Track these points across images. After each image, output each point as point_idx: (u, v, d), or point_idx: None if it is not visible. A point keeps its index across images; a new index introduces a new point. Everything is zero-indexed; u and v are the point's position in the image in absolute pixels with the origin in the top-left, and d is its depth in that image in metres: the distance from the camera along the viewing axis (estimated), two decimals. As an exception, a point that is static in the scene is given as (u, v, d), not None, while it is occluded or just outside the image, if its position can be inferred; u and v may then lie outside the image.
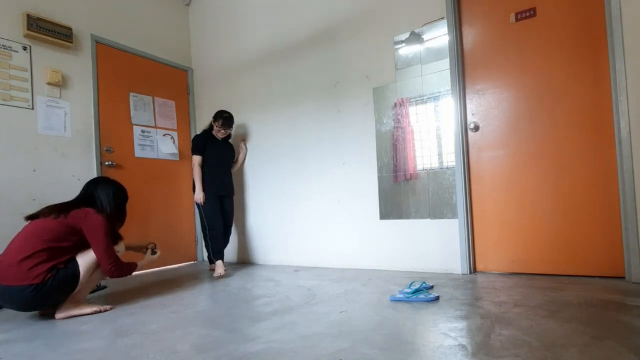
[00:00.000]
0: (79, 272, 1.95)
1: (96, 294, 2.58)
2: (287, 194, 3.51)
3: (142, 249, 2.48)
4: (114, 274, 2.08)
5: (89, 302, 2.14)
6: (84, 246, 2.03)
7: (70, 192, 3.00)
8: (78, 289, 1.98)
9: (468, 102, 2.71)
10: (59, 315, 1.99)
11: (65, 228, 1.96)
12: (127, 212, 2.31)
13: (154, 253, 2.44)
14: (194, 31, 4.27)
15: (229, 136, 3.46)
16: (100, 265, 2.04)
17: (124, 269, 2.14)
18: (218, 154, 3.33)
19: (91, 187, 2.20)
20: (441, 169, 2.72)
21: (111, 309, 2.14)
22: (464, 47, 2.73)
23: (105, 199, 2.15)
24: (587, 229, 2.32)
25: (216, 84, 4.06)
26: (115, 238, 2.22)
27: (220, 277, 2.96)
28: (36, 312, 2.15)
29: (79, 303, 2.06)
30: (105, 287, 2.74)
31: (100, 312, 2.08)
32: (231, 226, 3.50)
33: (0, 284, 1.85)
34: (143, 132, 3.67)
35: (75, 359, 1.45)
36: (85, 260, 1.99)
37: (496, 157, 2.61)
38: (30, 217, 2.03)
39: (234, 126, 3.47)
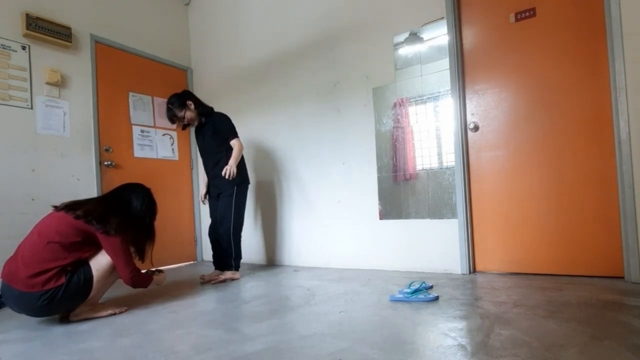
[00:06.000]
0: (91, 277, 1.89)
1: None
2: (286, 193, 3.51)
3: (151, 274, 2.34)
4: (134, 281, 2.01)
5: (103, 305, 2.09)
6: (96, 245, 1.94)
7: (69, 192, 3.01)
8: (92, 293, 1.92)
9: (467, 101, 2.71)
10: (73, 318, 1.95)
11: (78, 231, 1.87)
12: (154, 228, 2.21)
13: (159, 272, 2.32)
14: (193, 30, 4.27)
15: (205, 116, 2.91)
16: (120, 276, 1.99)
17: (143, 277, 2.09)
18: (201, 145, 2.99)
19: (126, 194, 2.12)
20: (440, 168, 2.72)
21: (126, 310, 2.10)
22: (464, 47, 2.73)
23: (138, 208, 2.08)
24: (586, 229, 2.33)
25: (215, 84, 4.05)
26: (142, 254, 2.12)
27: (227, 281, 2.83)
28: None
29: (94, 306, 2.01)
30: None
31: (116, 314, 2.03)
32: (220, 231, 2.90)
33: (14, 288, 1.77)
34: (142, 131, 3.66)
35: (75, 359, 1.45)
36: (99, 263, 1.92)
37: (495, 157, 2.61)
38: (55, 207, 1.97)
39: (186, 103, 2.82)
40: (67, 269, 1.83)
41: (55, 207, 1.98)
